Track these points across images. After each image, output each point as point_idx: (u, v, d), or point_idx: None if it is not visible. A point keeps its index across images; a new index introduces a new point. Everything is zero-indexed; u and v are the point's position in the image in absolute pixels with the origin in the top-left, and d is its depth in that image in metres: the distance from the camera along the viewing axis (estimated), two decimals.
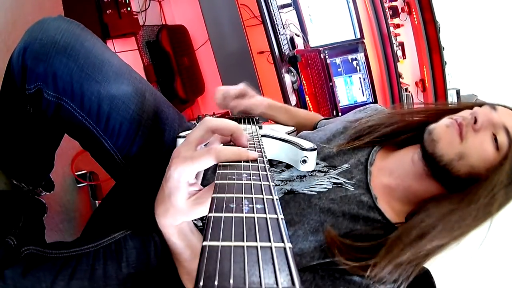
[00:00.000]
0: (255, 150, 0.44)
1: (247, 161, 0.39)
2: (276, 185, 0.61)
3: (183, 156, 0.39)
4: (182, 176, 0.39)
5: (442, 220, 0.51)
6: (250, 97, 0.83)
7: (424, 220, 0.52)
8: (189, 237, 0.44)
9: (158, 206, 0.42)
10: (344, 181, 0.60)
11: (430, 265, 0.54)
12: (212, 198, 0.30)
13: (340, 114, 1.77)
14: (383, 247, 0.50)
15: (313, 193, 0.59)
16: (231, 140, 0.44)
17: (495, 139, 0.55)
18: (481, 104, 0.61)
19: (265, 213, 0.28)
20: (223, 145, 0.44)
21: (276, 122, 0.86)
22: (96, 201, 1.17)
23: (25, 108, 0.63)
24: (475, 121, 0.56)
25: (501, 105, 0.60)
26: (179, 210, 0.40)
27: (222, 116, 0.80)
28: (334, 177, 0.61)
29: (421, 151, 0.59)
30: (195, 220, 0.49)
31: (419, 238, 0.50)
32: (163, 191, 0.41)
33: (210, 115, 0.71)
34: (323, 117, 0.87)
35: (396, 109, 0.73)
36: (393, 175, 0.61)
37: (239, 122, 0.73)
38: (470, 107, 0.61)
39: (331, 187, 0.59)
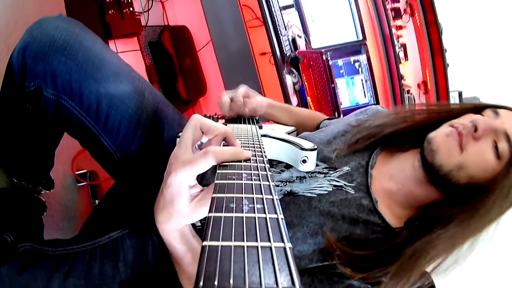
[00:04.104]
0: (255, 150, 0.44)
1: (247, 161, 0.39)
2: (276, 185, 0.61)
3: (182, 160, 0.38)
4: (183, 181, 0.38)
5: (447, 240, 0.51)
6: (253, 98, 0.81)
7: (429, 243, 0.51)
8: (190, 241, 0.43)
9: (159, 213, 0.41)
10: (344, 184, 0.59)
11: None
12: (212, 198, 0.30)
13: (342, 115, 1.76)
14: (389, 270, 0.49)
15: (313, 195, 0.58)
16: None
17: (496, 147, 0.53)
18: (484, 106, 0.60)
19: (265, 213, 0.28)
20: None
21: (276, 122, 0.86)
22: (96, 201, 1.17)
23: (25, 106, 0.63)
24: (476, 130, 0.54)
25: (505, 107, 0.59)
26: (183, 214, 0.40)
27: (223, 117, 0.80)
28: (334, 180, 0.60)
29: (421, 159, 0.58)
30: None
31: (421, 259, 0.50)
32: (164, 197, 0.40)
33: (212, 116, 0.71)
34: (326, 117, 0.86)
35: (397, 111, 0.72)
36: (394, 179, 0.60)
37: (239, 122, 0.73)
38: (473, 108, 0.60)
39: (331, 189, 0.59)
